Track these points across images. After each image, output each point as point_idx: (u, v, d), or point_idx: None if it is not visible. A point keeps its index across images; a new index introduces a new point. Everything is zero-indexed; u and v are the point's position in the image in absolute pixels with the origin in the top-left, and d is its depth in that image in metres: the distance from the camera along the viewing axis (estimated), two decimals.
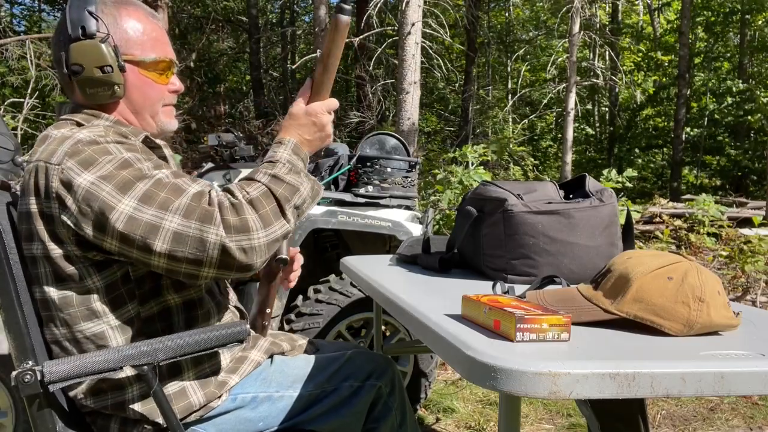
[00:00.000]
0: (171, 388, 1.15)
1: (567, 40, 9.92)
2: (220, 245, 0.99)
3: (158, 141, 1.23)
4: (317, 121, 1.18)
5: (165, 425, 1.11)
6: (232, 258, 1.00)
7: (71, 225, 1.03)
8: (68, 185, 1.03)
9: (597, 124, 18.45)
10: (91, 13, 1.11)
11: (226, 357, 1.23)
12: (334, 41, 1.16)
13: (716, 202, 6.25)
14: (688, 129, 14.96)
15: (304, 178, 1.11)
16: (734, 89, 14.42)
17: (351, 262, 1.73)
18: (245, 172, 2.65)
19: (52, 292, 1.09)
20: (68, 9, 1.12)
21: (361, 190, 2.65)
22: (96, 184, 1.02)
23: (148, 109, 1.21)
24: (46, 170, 1.04)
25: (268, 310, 1.33)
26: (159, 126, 1.23)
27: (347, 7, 1.17)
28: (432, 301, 1.13)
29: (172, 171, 1.08)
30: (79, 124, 1.14)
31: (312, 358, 1.33)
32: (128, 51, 1.15)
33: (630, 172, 6.48)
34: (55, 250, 1.07)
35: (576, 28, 9.28)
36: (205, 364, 1.19)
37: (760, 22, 14.45)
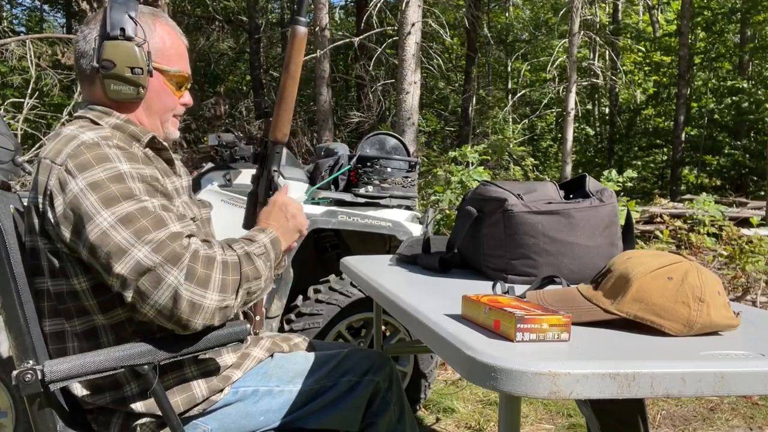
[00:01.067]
0: (174, 380, 1.17)
1: (567, 40, 9.92)
2: (173, 289, 1.00)
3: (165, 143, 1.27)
4: (288, 211, 1.27)
5: (162, 413, 1.12)
6: (177, 308, 1.01)
7: (54, 224, 1.07)
8: (61, 186, 1.06)
9: (597, 124, 18.44)
10: (131, 18, 1.18)
11: (230, 353, 1.26)
12: (293, 50, 1.33)
13: (716, 202, 6.25)
14: (688, 129, 14.96)
15: (268, 271, 1.15)
16: (738, 86, 14.39)
17: (351, 262, 1.73)
18: (245, 172, 2.65)
19: (49, 284, 1.12)
20: (109, 9, 1.17)
21: (361, 190, 2.65)
22: (84, 191, 1.05)
23: (161, 116, 1.28)
24: (49, 168, 1.08)
25: (257, 318, 1.37)
26: (165, 133, 1.30)
27: (302, 18, 1.33)
28: (432, 301, 1.13)
29: (161, 203, 1.09)
30: (92, 122, 1.18)
31: (311, 355, 1.36)
32: (157, 59, 1.23)
33: (630, 172, 6.48)
34: (48, 245, 1.10)
35: (576, 28, 9.28)
36: (209, 360, 1.21)
37: (761, 19, 14.42)
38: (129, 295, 1.03)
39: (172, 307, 1.01)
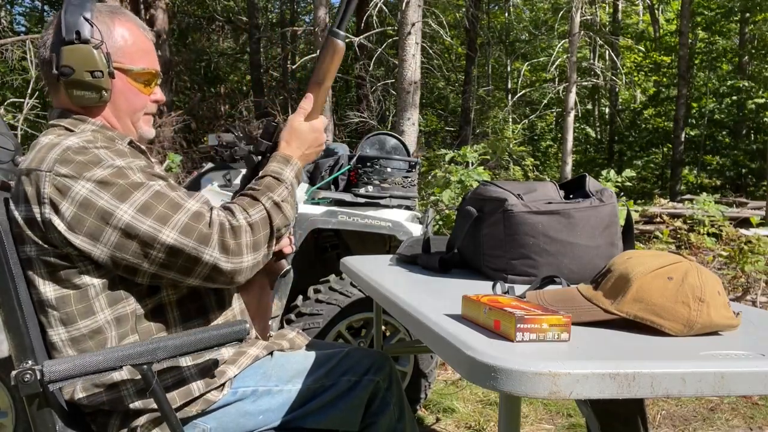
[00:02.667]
0: (170, 377, 1.16)
1: (567, 40, 9.92)
2: (212, 265, 1.09)
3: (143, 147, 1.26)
4: (320, 138, 1.31)
5: (161, 414, 1.12)
6: (220, 275, 1.11)
7: (62, 231, 1.05)
8: (63, 191, 1.05)
9: (597, 124, 18.45)
10: (86, 19, 1.14)
11: (226, 349, 1.25)
12: (332, 64, 1.29)
13: (716, 202, 6.25)
14: (688, 129, 14.95)
15: (293, 209, 1.22)
16: (739, 85, 14.38)
17: (351, 262, 1.73)
18: (245, 173, 2.64)
19: (49, 292, 1.11)
20: (63, 12, 1.14)
21: (361, 190, 2.65)
22: (94, 192, 1.05)
23: (131, 116, 1.24)
24: (37, 177, 1.06)
25: (270, 322, 1.38)
26: (138, 132, 1.27)
27: (341, 32, 1.28)
28: (432, 301, 1.13)
29: (168, 183, 1.13)
30: (68, 130, 1.16)
31: (311, 354, 1.35)
32: (118, 59, 1.19)
33: (628, 172, 6.48)
34: (50, 251, 1.09)
35: (576, 28, 9.28)
36: (205, 355, 1.20)
37: (759, 19, 14.40)
38: (169, 276, 1.10)
39: (216, 275, 1.10)
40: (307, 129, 1.28)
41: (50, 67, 1.15)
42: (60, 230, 1.05)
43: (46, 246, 1.08)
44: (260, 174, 1.23)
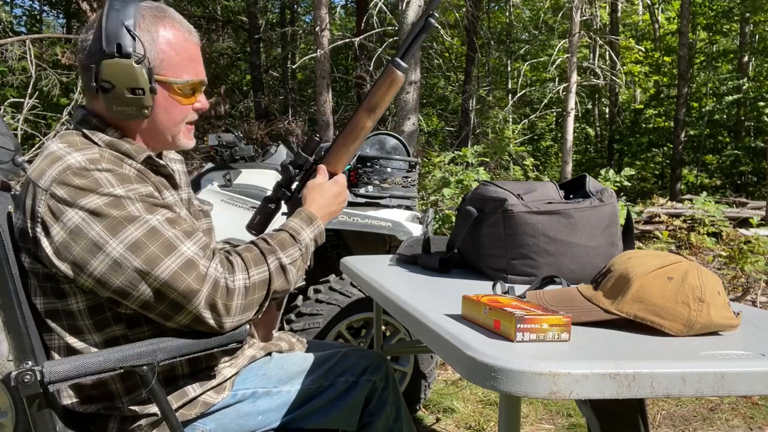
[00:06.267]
0: (164, 380, 1.15)
1: (567, 40, 9.91)
2: (195, 316, 1.05)
3: (169, 156, 1.24)
4: (343, 193, 1.30)
5: (161, 415, 1.12)
6: (202, 326, 1.07)
7: (48, 254, 1.02)
8: (56, 215, 1.01)
9: (597, 124, 18.45)
10: (128, 30, 1.06)
11: (221, 351, 1.24)
12: (388, 94, 1.26)
13: (716, 202, 6.25)
14: (688, 128, 14.95)
15: (299, 272, 1.17)
16: (744, 86, 14.37)
17: (351, 262, 1.73)
18: (245, 172, 2.65)
19: (39, 303, 1.10)
20: (104, 20, 1.07)
21: (361, 190, 2.65)
22: (86, 221, 1.01)
23: (171, 130, 1.17)
24: (34, 192, 1.03)
25: (275, 333, 1.39)
26: (178, 145, 1.21)
27: (404, 64, 1.24)
28: (432, 301, 1.13)
29: (167, 217, 1.06)
30: (84, 136, 1.12)
31: (309, 356, 1.36)
32: (161, 72, 1.12)
33: (628, 171, 6.48)
34: (39, 267, 1.07)
35: (576, 28, 9.27)
36: (200, 357, 1.19)
37: (760, 19, 14.39)
38: (151, 315, 1.06)
39: (196, 325, 1.07)
40: (330, 184, 1.27)
41: (90, 77, 1.08)
42: (47, 252, 1.02)
43: (35, 261, 1.07)
44: (280, 226, 1.20)
